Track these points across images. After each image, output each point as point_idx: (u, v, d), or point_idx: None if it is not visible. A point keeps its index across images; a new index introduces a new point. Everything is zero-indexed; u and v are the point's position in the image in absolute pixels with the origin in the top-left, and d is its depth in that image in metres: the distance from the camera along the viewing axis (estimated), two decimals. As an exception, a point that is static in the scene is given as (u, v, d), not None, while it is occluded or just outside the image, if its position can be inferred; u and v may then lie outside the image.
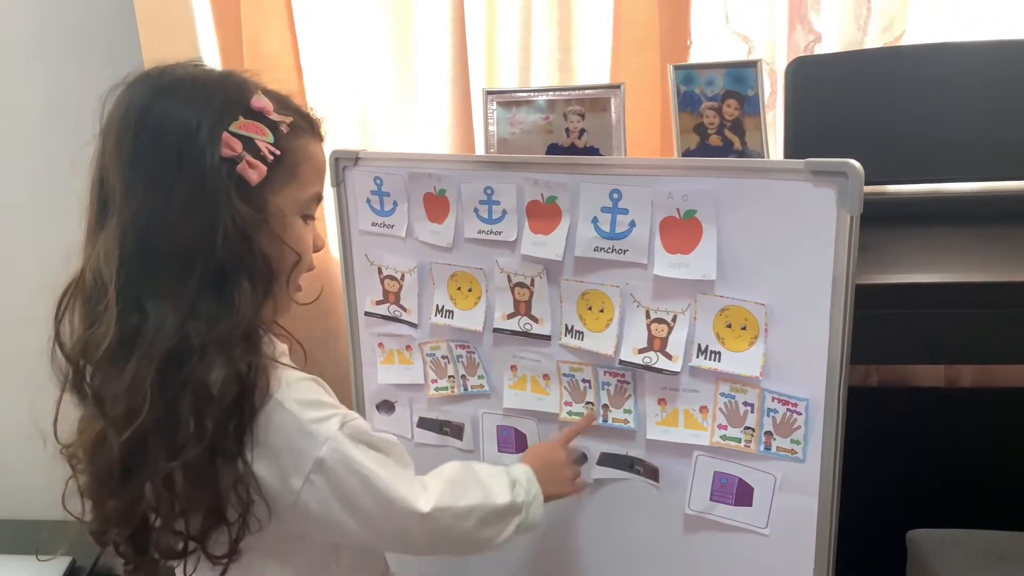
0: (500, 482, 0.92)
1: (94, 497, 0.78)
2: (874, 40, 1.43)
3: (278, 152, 0.77)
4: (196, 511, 0.74)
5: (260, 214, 0.76)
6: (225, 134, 0.74)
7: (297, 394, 0.77)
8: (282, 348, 0.84)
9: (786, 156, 1.33)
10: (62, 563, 1.66)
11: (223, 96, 0.76)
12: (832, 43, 1.44)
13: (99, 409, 0.74)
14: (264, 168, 0.76)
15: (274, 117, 0.78)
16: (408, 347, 1.22)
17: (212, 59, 1.56)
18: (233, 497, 0.74)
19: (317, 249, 0.88)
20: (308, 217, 0.84)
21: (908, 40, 1.42)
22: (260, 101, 0.77)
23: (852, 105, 1.33)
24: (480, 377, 1.17)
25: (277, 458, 0.76)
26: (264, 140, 0.76)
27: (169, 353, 0.71)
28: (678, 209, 0.95)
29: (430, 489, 0.85)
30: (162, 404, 0.71)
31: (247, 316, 0.74)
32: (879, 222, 1.24)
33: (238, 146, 0.74)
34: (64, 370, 0.77)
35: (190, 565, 0.79)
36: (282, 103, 0.81)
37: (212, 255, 0.72)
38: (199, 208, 0.72)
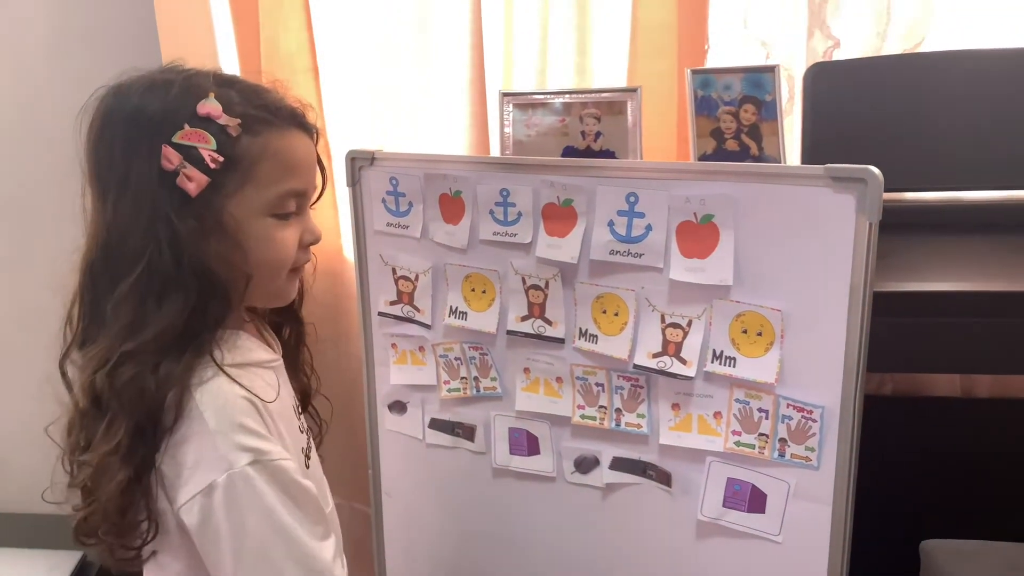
0: None
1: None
2: (893, 46, 1.42)
3: (221, 159, 0.76)
4: (104, 509, 0.75)
5: (208, 223, 0.76)
6: (164, 147, 0.75)
7: (225, 409, 0.75)
8: (252, 349, 0.84)
9: (803, 162, 1.32)
10: (72, 558, 1.67)
11: (168, 105, 0.76)
12: (851, 49, 1.43)
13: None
14: (204, 178, 0.76)
15: (222, 121, 0.77)
16: (421, 348, 1.22)
17: (230, 60, 1.57)
18: (141, 503, 0.75)
19: (308, 244, 0.87)
20: (283, 215, 0.82)
21: (928, 47, 1.41)
22: (207, 106, 0.77)
23: (870, 111, 1.32)
24: (493, 379, 1.17)
25: (181, 462, 0.75)
26: (207, 148, 0.76)
27: (103, 359, 0.75)
28: (695, 213, 0.95)
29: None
30: (88, 404, 0.76)
31: (171, 328, 0.75)
32: (897, 229, 1.24)
33: (176, 158, 0.75)
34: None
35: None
36: (248, 99, 0.80)
37: (149, 266, 0.75)
38: (140, 220, 0.75)
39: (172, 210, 0.75)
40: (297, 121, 0.84)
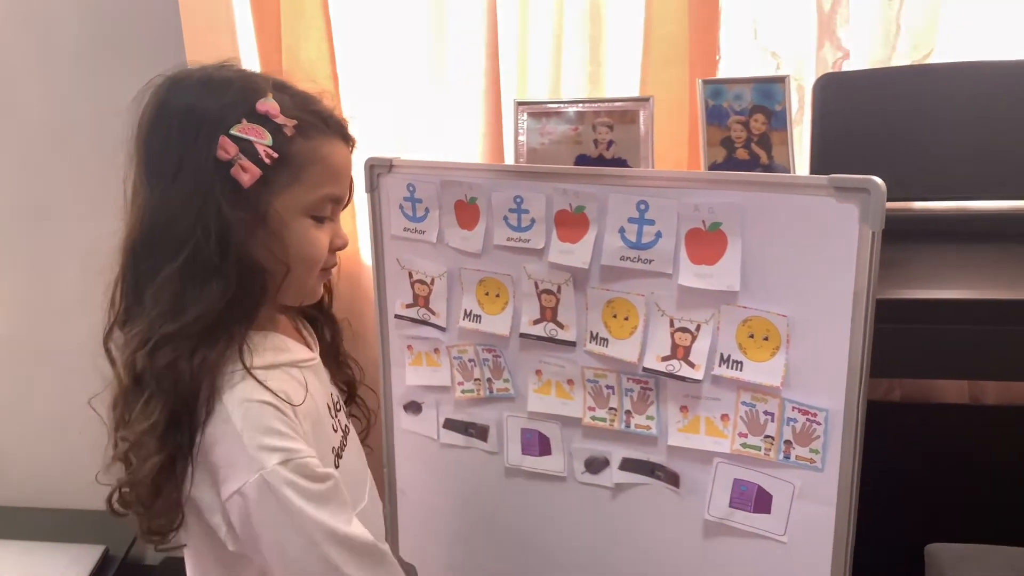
0: None
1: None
2: (903, 58, 1.44)
3: (276, 155, 0.79)
4: (138, 487, 0.78)
5: (254, 215, 0.79)
6: (222, 137, 0.77)
7: (250, 413, 0.78)
8: (285, 349, 0.88)
9: (812, 171, 1.35)
10: (95, 551, 1.71)
11: (227, 100, 0.79)
12: (860, 60, 1.46)
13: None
14: (258, 171, 0.78)
15: (279, 120, 0.80)
16: (436, 350, 1.25)
17: (252, 67, 1.61)
18: (174, 495, 0.77)
19: (337, 248, 0.90)
20: (319, 218, 0.86)
21: (936, 58, 1.43)
22: (265, 104, 0.80)
23: (879, 122, 1.34)
24: (505, 380, 1.20)
25: (212, 466, 0.77)
26: (263, 143, 0.79)
27: (143, 339, 0.77)
28: (704, 221, 0.98)
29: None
30: (129, 381, 0.78)
31: (209, 313, 0.77)
32: (905, 238, 1.26)
33: (233, 149, 0.77)
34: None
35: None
36: (301, 104, 0.83)
37: (195, 252, 0.77)
38: (191, 207, 0.77)
39: (223, 199, 0.77)
40: (343, 132, 0.88)
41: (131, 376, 0.78)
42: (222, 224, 0.77)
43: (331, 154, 0.85)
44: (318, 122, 0.84)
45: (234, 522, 0.78)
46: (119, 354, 0.81)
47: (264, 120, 0.79)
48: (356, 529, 0.82)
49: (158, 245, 0.78)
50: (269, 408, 0.79)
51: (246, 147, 0.78)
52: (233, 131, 0.78)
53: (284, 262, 0.82)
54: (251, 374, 0.79)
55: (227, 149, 0.77)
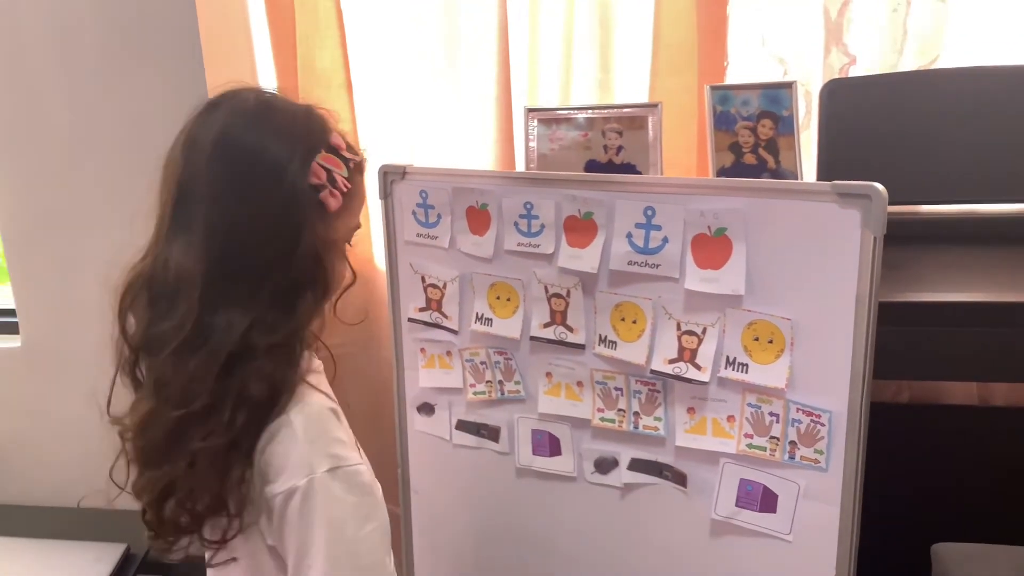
0: None
1: (138, 472, 0.85)
2: (909, 63, 1.45)
3: (350, 185, 0.86)
4: (204, 494, 0.80)
5: (330, 237, 0.85)
6: (314, 164, 0.83)
7: (309, 419, 0.82)
8: (318, 364, 0.92)
9: (819, 176, 1.36)
10: (117, 550, 1.74)
11: (311, 130, 0.85)
12: (867, 65, 1.47)
13: (157, 393, 0.81)
14: (341, 198, 0.85)
15: (346, 154, 0.87)
16: (448, 352, 1.28)
17: (268, 76, 1.65)
18: (235, 490, 0.80)
19: None
20: (347, 243, 0.92)
21: (943, 63, 1.44)
22: (337, 139, 0.86)
23: (886, 126, 1.35)
24: (517, 383, 1.22)
25: (270, 464, 0.81)
26: (341, 173, 0.85)
27: (233, 353, 0.79)
28: (709, 227, 1.00)
29: None
30: (216, 395, 0.79)
31: (303, 327, 0.83)
32: (914, 241, 1.28)
33: (322, 175, 0.83)
34: (124, 356, 0.85)
35: (193, 546, 0.86)
36: (348, 143, 0.90)
37: (288, 270, 0.81)
38: (285, 227, 0.81)
39: (316, 220, 0.82)
40: (365, 168, 0.94)
41: (216, 397, 0.79)
42: (313, 243, 0.82)
43: (365, 188, 0.92)
44: (361, 160, 0.91)
45: (273, 518, 0.81)
46: (183, 378, 0.80)
47: (337, 152, 0.86)
48: (389, 566, 0.86)
49: (246, 264, 0.80)
50: (329, 413, 0.84)
51: (329, 174, 0.84)
52: (319, 160, 0.84)
53: (339, 282, 0.89)
54: (305, 380, 0.84)
55: (319, 175, 0.83)
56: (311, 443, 0.81)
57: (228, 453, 0.79)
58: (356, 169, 0.88)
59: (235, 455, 0.80)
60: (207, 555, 0.87)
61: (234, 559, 0.86)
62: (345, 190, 0.85)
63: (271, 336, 0.80)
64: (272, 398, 0.80)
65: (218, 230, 0.80)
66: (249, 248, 0.80)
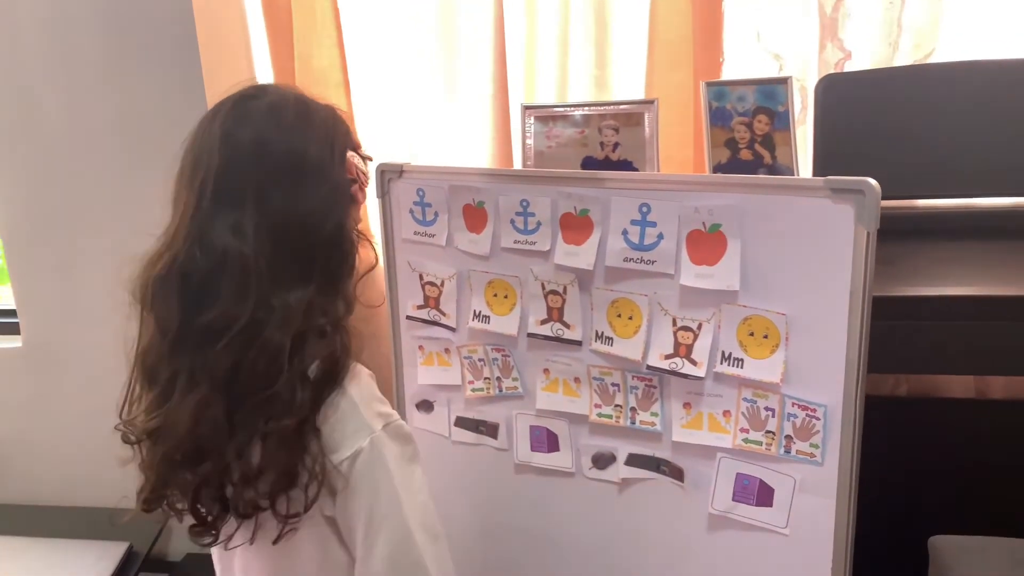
0: None
1: (179, 465, 0.85)
2: (904, 58, 1.45)
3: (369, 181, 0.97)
4: (272, 472, 0.83)
5: (356, 226, 0.93)
6: (348, 158, 0.91)
7: (360, 386, 0.88)
8: (358, 343, 0.95)
9: (815, 171, 1.36)
10: (120, 548, 1.75)
11: (340, 130, 0.92)
12: (863, 60, 1.47)
13: (212, 381, 0.82)
14: (366, 191, 0.94)
15: (362, 153, 0.96)
16: (447, 350, 1.28)
17: (265, 74, 1.65)
18: (309, 462, 0.84)
19: None
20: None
21: (938, 58, 1.44)
22: (356, 139, 0.95)
23: (881, 121, 1.36)
24: (514, 379, 1.23)
25: (332, 434, 0.85)
26: (363, 170, 0.95)
27: (296, 335, 0.83)
28: (704, 223, 1.00)
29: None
30: (284, 377, 0.82)
31: (349, 308, 0.90)
32: (910, 235, 1.28)
33: (354, 169, 0.92)
34: (157, 353, 0.85)
35: (254, 532, 0.88)
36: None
37: (331, 256, 0.87)
38: (330, 218, 0.87)
39: (350, 211, 0.91)
40: None
41: (286, 372, 0.82)
42: (350, 232, 0.89)
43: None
44: (370, 157, 0.98)
45: (337, 486, 0.85)
46: (258, 361, 0.82)
47: (358, 150, 0.94)
48: (430, 502, 0.92)
49: (298, 249, 0.84)
50: (368, 375, 0.92)
51: (358, 171, 0.93)
52: (350, 155, 0.92)
53: (371, 261, 0.98)
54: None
55: (350, 169, 0.91)
56: (366, 406, 0.87)
57: (299, 431, 0.83)
58: (367, 166, 0.97)
59: (305, 431, 0.84)
60: (234, 540, 0.89)
61: (275, 540, 0.87)
62: (367, 184, 0.94)
63: (327, 316, 0.86)
64: (334, 375, 0.86)
65: (268, 221, 0.83)
66: (299, 237, 0.84)
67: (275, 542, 0.87)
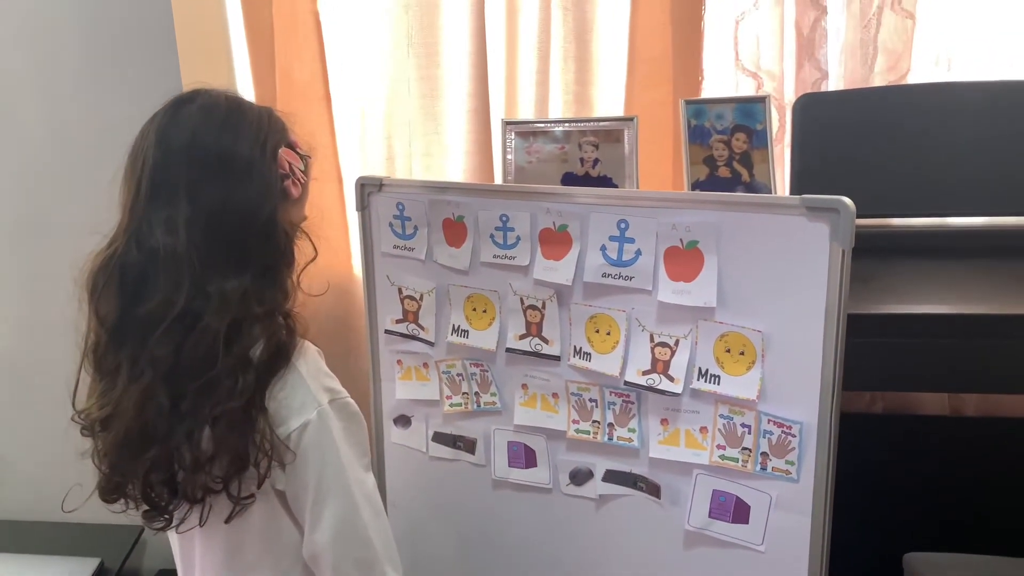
0: None
1: (127, 451, 0.87)
2: (879, 79, 1.48)
3: (306, 179, 0.98)
4: (224, 456, 0.86)
5: (294, 220, 0.96)
6: (280, 154, 0.93)
7: (308, 361, 0.92)
8: (302, 324, 0.97)
9: (792, 189, 1.37)
10: (91, 564, 1.72)
11: (277, 126, 0.95)
12: (839, 81, 1.49)
13: (152, 371, 0.85)
14: (300, 187, 0.96)
15: (301, 151, 0.98)
16: (425, 364, 1.28)
17: (247, 87, 1.64)
18: (258, 440, 0.86)
19: None
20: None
21: (912, 79, 1.47)
22: (294, 137, 0.98)
23: (857, 140, 1.37)
24: (493, 394, 1.22)
25: (279, 410, 0.89)
26: (298, 167, 0.97)
27: (233, 321, 0.86)
28: (681, 239, 1.01)
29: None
30: (224, 363, 0.85)
31: (288, 296, 0.92)
32: (884, 253, 1.29)
33: (286, 166, 0.94)
34: (98, 342, 0.89)
35: (205, 513, 0.89)
36: (301, 143, 1.00)
37: (266, 247, 0.90)
38: (260, 210, 0.89)
39: (283, 205, 0.93)
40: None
41: (225, 357, 0.85)
42: (283, 224, 0.92)
43: (309, 184, 1.01)
44: (311, 157, 1.01)
45: (286, 458, 0.88)
46: (190, 349, 0.85)
47: (294, 148, 0.97)
48: (370, 478, 0.96)
49: (232, 241, 0.87)
50: (315, 351, 0.95)
51: (290, 167, 0.95)
52: (282, 152, 0.94)
53: (304, 257, 0.98)
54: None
55: (282, 165, 0.94)
56: (313, 379, 0.91)
57: (246, 412, 0.86)
58: (308, 165, 0.99)
59: (252, 412, 0.86)
60: (186, 523, 0.91)
61: (228, 520, 0.90)
62: (303, 180, 0.96)
63: (263, 305, 0.88)
64: (279, 356, 0.89)
65: (201, 216, 0.86)
66: (232, 230, 0.87)
67: (227, 521, 0.90)
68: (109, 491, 0.91)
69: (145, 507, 0.91)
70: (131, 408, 0.86)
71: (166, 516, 0.91)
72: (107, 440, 0.89)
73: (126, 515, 0.94)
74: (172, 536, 1.02)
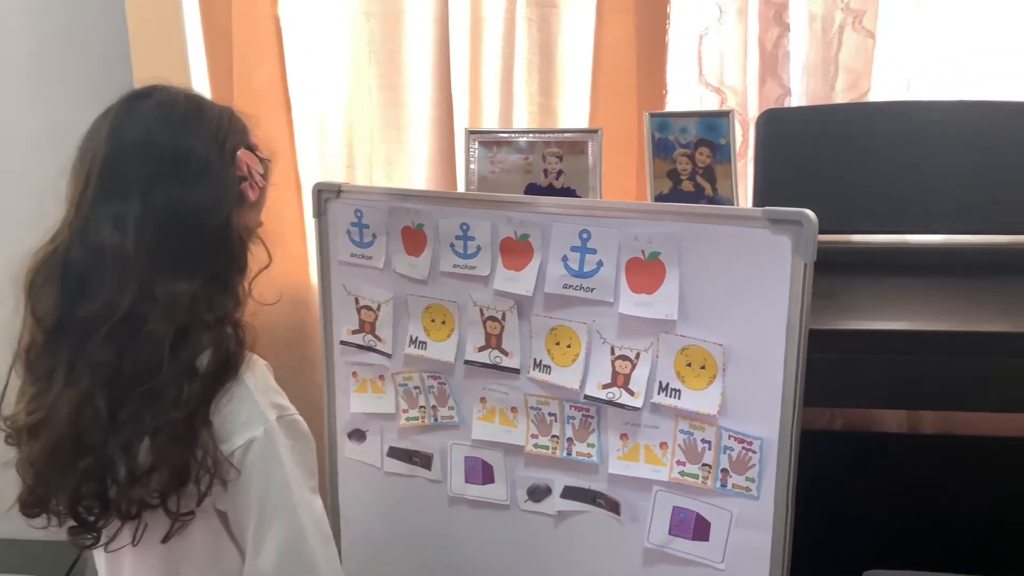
0: None
1: (57, 461, 0.82)
2: (841, 97, 1.49)
3: (264, 183, 0.94)
4: (163, 469, 0.81)
5: (249, 225, 0.91)
6: (238, 157, 0.89)
7: (256, 376, 0.87)
8: (252, 335, 0.93)
9: (754, 203, 1.38)
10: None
11: (237, 126, 0.92)
12: (801, 99, 1.50)
13: (91, 376, 0.81)
14: (259, 190, 0.92)
15: (263, 155, 0.94)
16: (381, 376, 1.24)
17: (203, 91, 1.60)
18: (200, 456, 0.81)
19: None
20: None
21: (873, 97, 1.48)
22: (254, 139, 0.94)
23: (819, 156, 1.38)
24: (450, 408, 1.19)
25: (224, 424, 0.84)
26: (257, 170, 0.92)
27: (181, 327, 0.81)
28: (643, 251, 0.99)
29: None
30: (168, 369, 0.80)
31: (239, 304, 0.88)
32: (845, 270, 1.30)
33: (244, 168, 0.90)
34: (34, 343, 0.84)
35: (139, 531, 0.84)
36: (261, 145, 0.96)
37: (221, 250, 0.86)
38: (215, 213, 0.85)
39: (239, 208, 0.89)
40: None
41: (169, 364, 0.80)
42: (238, 228, 0.88)
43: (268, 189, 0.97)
44: (271, 160, 0.97)
45: (228, 476, 0.83)
46: (135, 355, 0.80)
47: (254, 151, 0.93)
48: (319, 502, 0.91)
49: (183, 245, 0.83)
50: (265, 367, 0.90)
51: (249, 168, 0.91)
52: (241, 154, 0.90)
53: (258, 264, 0.93)
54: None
55: (240, 167, 0.90)
56: (261, 394, 0.86)
57: (189, 424, 0.81)
58: (268, 171, 0.95)
59: (195, 424, 0.81)
60: (117, 541, 0.86)
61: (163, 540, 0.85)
62: (262, 184, 0.92)
63: (213, 311, 0.84)
64: (226, 367, 0.84)
65: (152, 215, 0.82)
66: (184, 232, 0.84)
67: (164, 540, 0.84)
68: (31, 504, 0.85)
69: (71, 523, 0.85)
70: (65, 414, 0.80)
71: (94, 533, 0.85)
72: (35, 448, 0.83)
73: (47, 531, 0.87)
74: (99, 556, 0.95)
